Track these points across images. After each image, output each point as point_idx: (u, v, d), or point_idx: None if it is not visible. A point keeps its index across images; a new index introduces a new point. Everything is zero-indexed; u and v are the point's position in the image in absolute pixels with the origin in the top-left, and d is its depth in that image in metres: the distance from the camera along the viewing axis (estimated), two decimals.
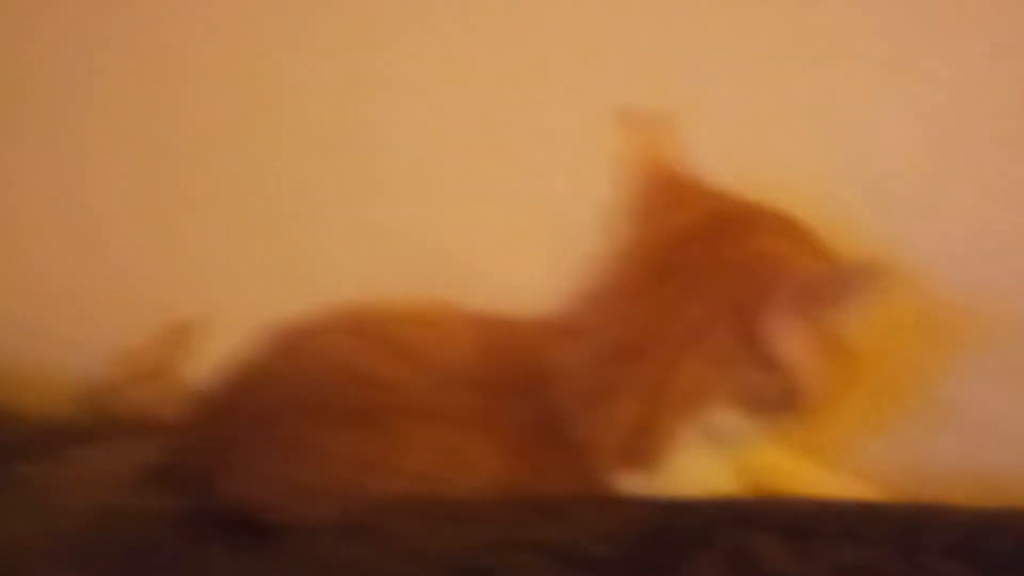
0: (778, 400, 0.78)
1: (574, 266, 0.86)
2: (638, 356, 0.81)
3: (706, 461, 0.80)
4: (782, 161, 1.04)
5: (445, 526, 0.79)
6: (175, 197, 1.33)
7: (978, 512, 0.69)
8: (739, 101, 1.07)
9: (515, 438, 0.83)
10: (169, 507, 0.86)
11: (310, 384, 0.89)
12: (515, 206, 1.16)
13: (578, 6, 1.16)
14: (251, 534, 0.81)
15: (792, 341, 0.77)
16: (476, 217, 1.17)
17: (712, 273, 0.81)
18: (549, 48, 1.17)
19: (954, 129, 1.01)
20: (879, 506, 0.73)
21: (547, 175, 1.15)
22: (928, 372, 1.00)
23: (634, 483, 0.81)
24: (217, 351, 0.93)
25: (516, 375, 0.85)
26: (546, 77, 1.16)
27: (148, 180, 1.34)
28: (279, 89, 1.27)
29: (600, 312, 0.84)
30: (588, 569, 0.71)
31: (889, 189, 1.02)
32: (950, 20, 1.01)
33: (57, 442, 1.00)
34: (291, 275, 1.26)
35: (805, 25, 1.05)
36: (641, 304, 0.83)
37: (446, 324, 0.90)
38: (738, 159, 0.90)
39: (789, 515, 0.72)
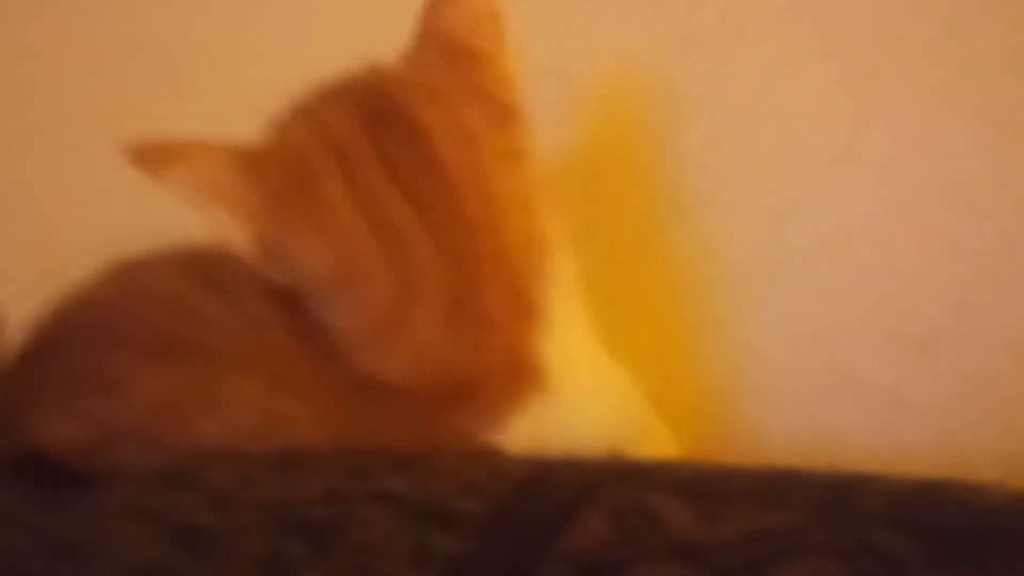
0: None
1: None
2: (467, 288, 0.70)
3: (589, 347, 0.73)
4: (685, 104, 0.93)
5: (275, 474, 0.65)
6: None
7: (908, 481, 0.57)
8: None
9: (344, 400, 0.70)
10: None
11: (130, 317, 0.76)
12: None
13: None
14: (59, 484, 0.70)
15: None
16: None
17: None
18: None
19: (872, 74, 0.89)
20: (796, 472, 0.61)
21: None
22: None
23: (528, 419, 0.69)
24: None
25: None
26: None
27: None
28: None
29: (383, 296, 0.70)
30: (449, 525, 0.57)
31: (800, 137, 0.91)
32: None
33: None
34: None
35: None
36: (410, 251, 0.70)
37: None
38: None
39: (687, 476, 0.59)
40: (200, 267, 0.77)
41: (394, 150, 0.70)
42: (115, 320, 0.77)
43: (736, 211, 0.92)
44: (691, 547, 0.52)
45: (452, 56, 0.73)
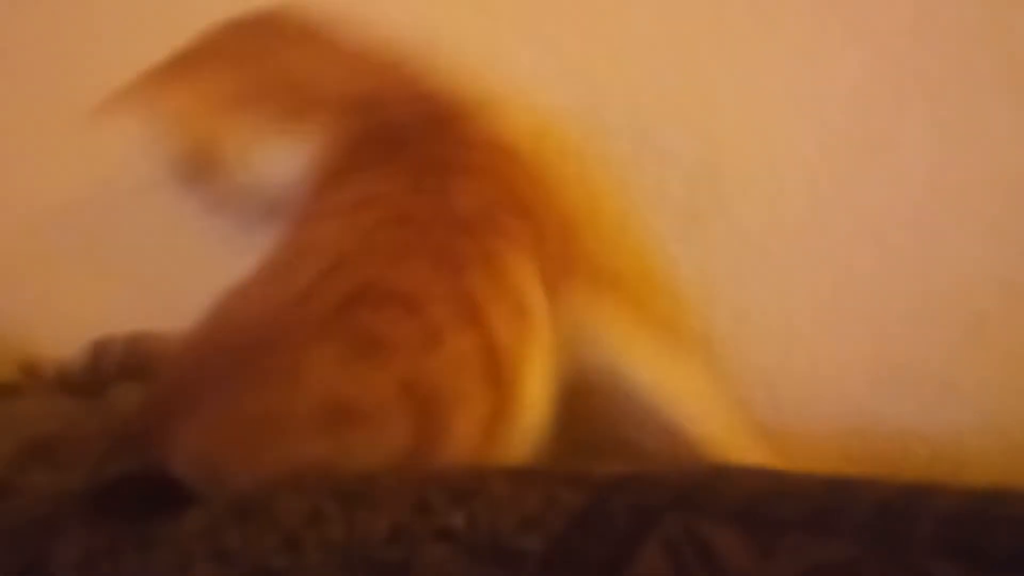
0: None
1: None
2: None
3: None
4: (720, 95, 0.91)
5: (340, 509, 0.64)
6: None
7: (964, 496, 0.55)
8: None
9: None
10: (52, 486, 0.74)
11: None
12: None
13: None
14: (146, 515, 0.69)
15: None
16: None
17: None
18: None
19: (909, 57, 0.86)
20: (849, 487, 0.59)
21: None
22: None
23: None
24: None
25: None
26: None
27: None
28: None
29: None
30: (511, 564, 0.56)
31: (838, 125, 0.88)
32: None
33: None
34: None
35: None
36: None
37: None
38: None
39: (742, 498, 0.58)
40: None
41: None
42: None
43: (775, 199, 0.90)
44: None
45: None
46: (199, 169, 0.82)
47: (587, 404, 0.79)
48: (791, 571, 0.50)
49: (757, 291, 0.90)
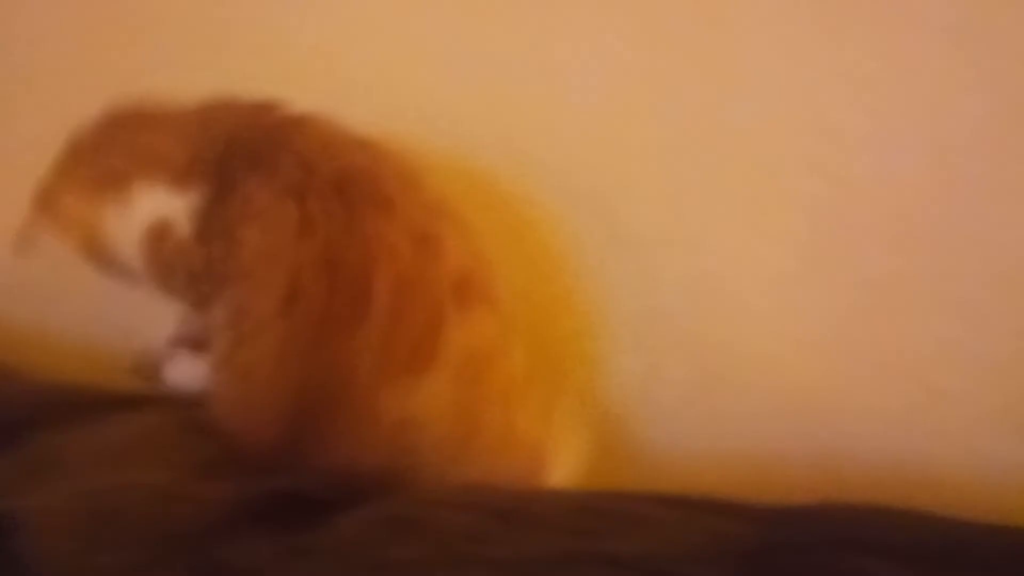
0: None
1: None
2: None
3: None
4: (839, 136, 0.91)
5: (505, 528, 0.65)
6: None
7: None
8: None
9: None
10: (218, 494, 0.74)
11: None
12: None
13: None
14: (303, 525, 0.71)
15: None
16: None
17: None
18: None
19: None
20: (1007, 532, 0.59)
21: None
22: None
23: None
24: None
25: None
26: None
27: None
28: None
29: None
30: None
31: (957, 166, 0.88)
32: None
33: (82, 411, 0.87)
34: None
35: None
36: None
37: None
38: None
39: (909, 536, 0.58)
40: None
41: None
42: None
43: (903, 242, 0.89)
44: None
45: None
46: (94, 256, 0.88)
47: None
48: None
49: (881, 334, 0.90)
